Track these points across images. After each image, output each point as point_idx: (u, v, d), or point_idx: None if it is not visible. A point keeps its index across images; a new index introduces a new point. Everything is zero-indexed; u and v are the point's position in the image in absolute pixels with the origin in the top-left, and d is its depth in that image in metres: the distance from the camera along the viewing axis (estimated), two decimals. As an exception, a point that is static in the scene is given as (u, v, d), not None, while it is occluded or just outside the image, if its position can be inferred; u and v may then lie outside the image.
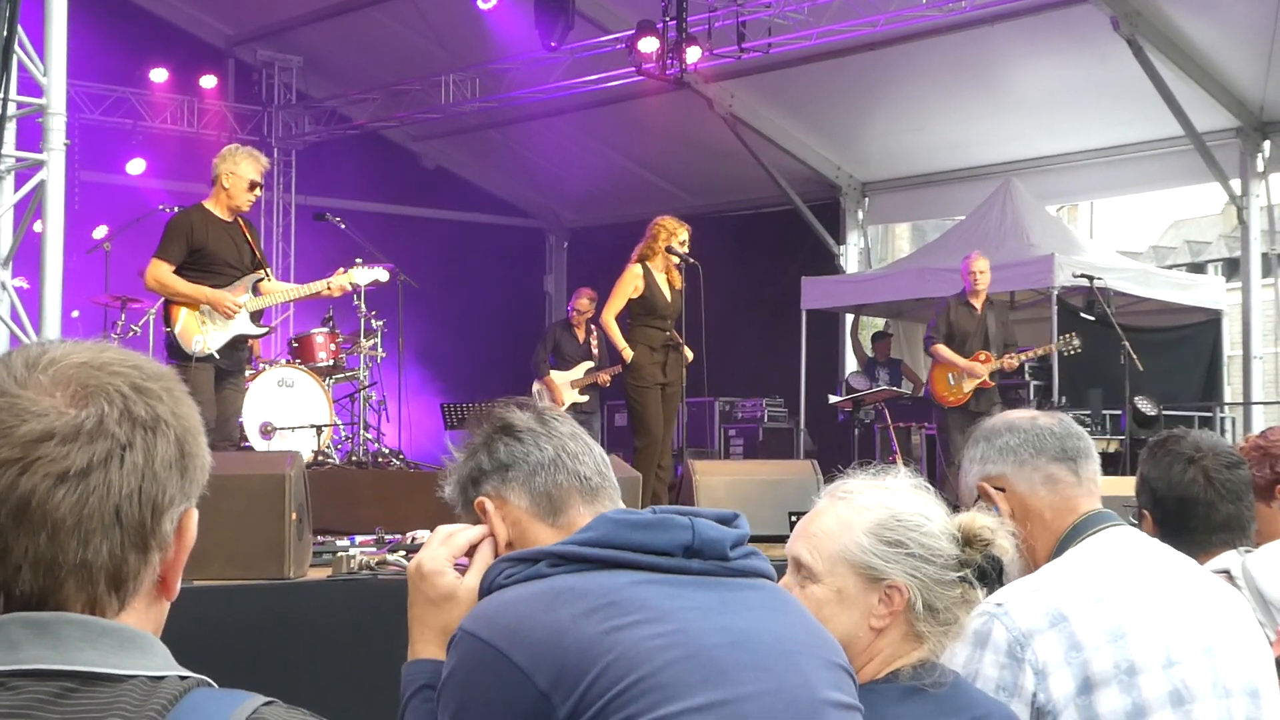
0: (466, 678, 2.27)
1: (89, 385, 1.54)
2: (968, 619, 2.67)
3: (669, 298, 10.41)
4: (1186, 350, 15.78)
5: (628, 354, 10.41)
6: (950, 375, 12.37)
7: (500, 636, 2.24)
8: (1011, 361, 12.16)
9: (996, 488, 3.12)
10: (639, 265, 10.41)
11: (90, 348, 1.61)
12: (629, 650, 2.20)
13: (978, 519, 2.66)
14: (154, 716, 1.48)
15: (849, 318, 18.58)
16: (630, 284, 10.38)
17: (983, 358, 12.21)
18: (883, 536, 2.62)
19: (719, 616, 2.32)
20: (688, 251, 10.48)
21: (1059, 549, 3.03)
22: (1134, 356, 11.98)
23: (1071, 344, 12.36)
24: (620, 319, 10.56)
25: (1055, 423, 3.17)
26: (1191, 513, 3.58)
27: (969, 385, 12.26)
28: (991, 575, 2.65)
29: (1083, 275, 13.06)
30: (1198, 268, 36.17)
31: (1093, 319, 12.81)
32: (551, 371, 14.32)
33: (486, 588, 2.44)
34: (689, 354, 10.74)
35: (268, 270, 9.25)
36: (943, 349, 12.45)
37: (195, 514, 1.64)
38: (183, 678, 1.55)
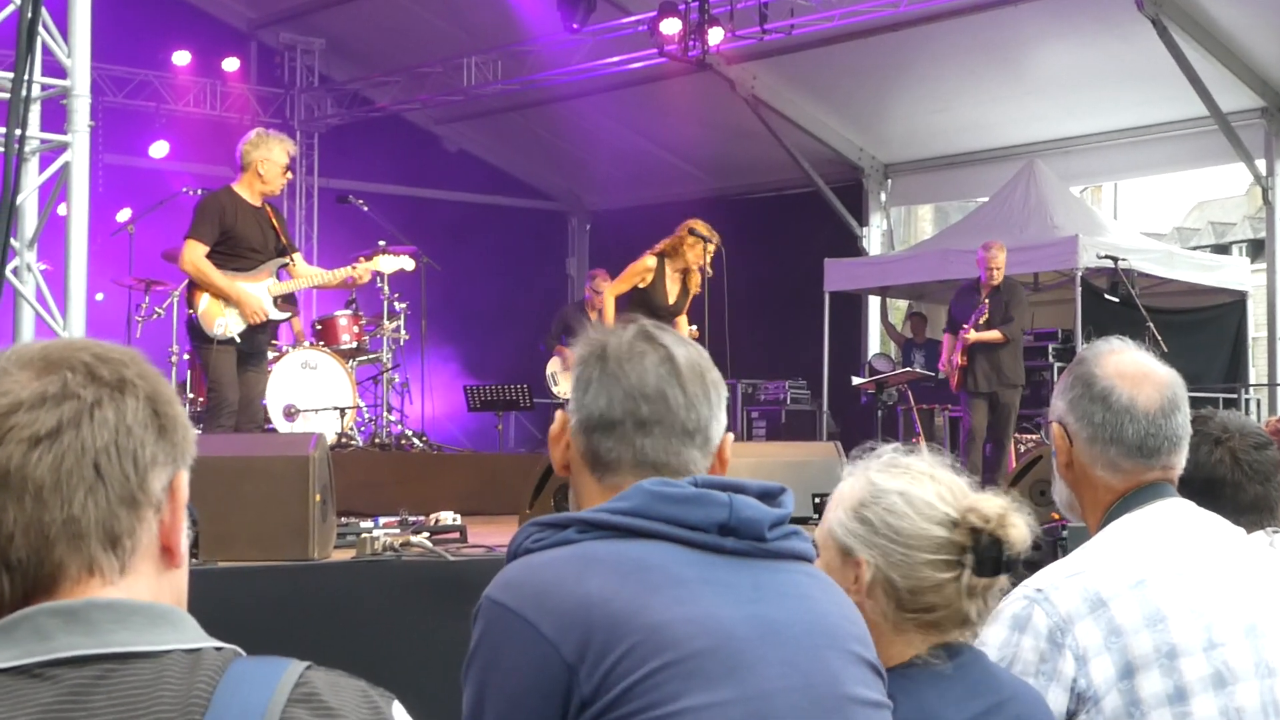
0: (493, 647, 2.20)
1: (50, 359, 1.59)
2: (971, 606, 2.62)
3: (672, 300, 10.34)
4: (1211, 332, 15.72)
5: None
6: (949, 358, 12.56)
7: (528, 605, 2.17)
8: (965, 335, 12.21)
9: (1068, 433, 3.02)
10: (655, 259, 10.37)
11: (54, 340, 1.65)
12: (656, 632, 2.15)
13: (980, 503, 2.59)
14: (204, 688, 1.50)
15: (875, 302, 18.56)
16: (639, 273, 10.36)
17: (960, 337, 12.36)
18: (857, 513, 2.63)
19: (751, 604, 2.26)
20: (704, 264, 10.40)
21: (1108, 518, 2.97)
22: (1158, 338, 11.91)
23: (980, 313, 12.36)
24: (621, 301, 10.58)
25: (1156, 406, 2.94)
26: (1219, 493, 3.55)
27: (956, 362, 12.44)
28: (999, 562, 2.58)
29: (1107, 257, 13.01)
30: (1222, 249, 36.02)
31: (1117, 300, 12.77)
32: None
33: (514, 551, 2.36)
34: (693, 331, 10.75)
35: (294, 255, 9.27)
36: (945, 340, 12.78)
37: (185, 476, 1.65)
38: (218, 649, 1.57)
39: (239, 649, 1.59)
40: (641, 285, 10.30)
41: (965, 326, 12.24)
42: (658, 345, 2.46)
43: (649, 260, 10.34)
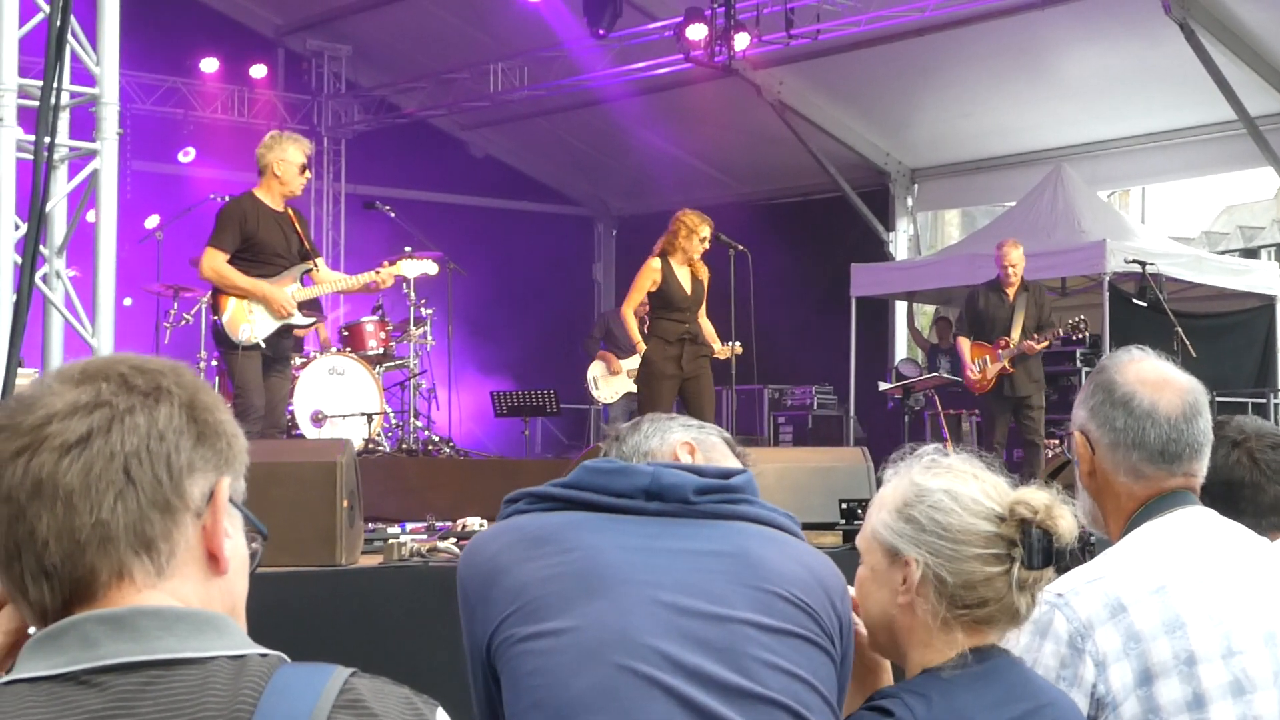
0: (459, 604, 2.62)
1: (88, 372, 1.62)
2: (1021, 599, 2.61)
3: (688, 290, 10.38)
4: (1240, 336, 15.65)
5: (641, 346, 10.50)
6: (975, 361, 12.24)
7: (463, 565, 2.64)
8: (1032, 345, 12.02)
9: (1089, 441, 3.02)
10: (657, 259, 10.41)
11: (98, 356, 1.72)
12: (521, 579, 2.49)
13: (1024, 495, 2.60)
14: (249, 694, 1.52)
15: (902, 307, 18.53)
16: (648, 278, 10.40)
17: (1003, 343, 12.08)
18: (903, 513, 2.64)
19: (648, 541, 2.53)
20: (708, 248, 10.45)
21: (1130, 525, 2.96)
22: (1186, 343, 11.86)
23: (1080, 329, 12.20)
24: (641, 311, 10.63)
25: (1178, 412, 2.93)
26: (1239, 495, 3.54)
27: (992, 371, 12.11)
28: (1049, 553, 2.58)
29: (1135, 261, 12.96)
30: (1250, 253, 35.76)
31: (1145, 305, 12.72)
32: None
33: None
34: (736, 348, 10.81)
35: (317, 260, 9.29)
36: (962, 344, 12.43)
37: (228, 482, 1.68)
38: (263, 655, 1.59)
39: (284, 655, 1.60)
40: (654, 288, 10.34)
41: (1035, 337, 12.04)
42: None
43: (653, 263, 10.41)
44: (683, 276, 10.37)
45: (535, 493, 2.68)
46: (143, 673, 1.51)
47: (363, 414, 11.15)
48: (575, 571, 2.47)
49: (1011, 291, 12.26)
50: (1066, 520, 2.59)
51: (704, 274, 10.49)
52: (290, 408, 10.43)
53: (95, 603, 1.56)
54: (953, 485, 2.64)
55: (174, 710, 1.49)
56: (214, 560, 1.65)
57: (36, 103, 5.85)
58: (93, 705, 1.48)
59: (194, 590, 1.62)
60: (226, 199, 9.46)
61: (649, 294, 10.42)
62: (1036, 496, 2.60)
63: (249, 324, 8.84)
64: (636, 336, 10.60)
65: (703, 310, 10.57)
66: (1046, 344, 12.04)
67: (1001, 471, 2.72)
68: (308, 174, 9.21)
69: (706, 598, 2.45)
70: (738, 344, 11.05)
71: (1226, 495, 3.47)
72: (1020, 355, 11.98)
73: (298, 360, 10.90)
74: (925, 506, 2.62)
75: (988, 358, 12.18)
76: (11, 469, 1.55)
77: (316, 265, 9.25)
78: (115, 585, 1.57)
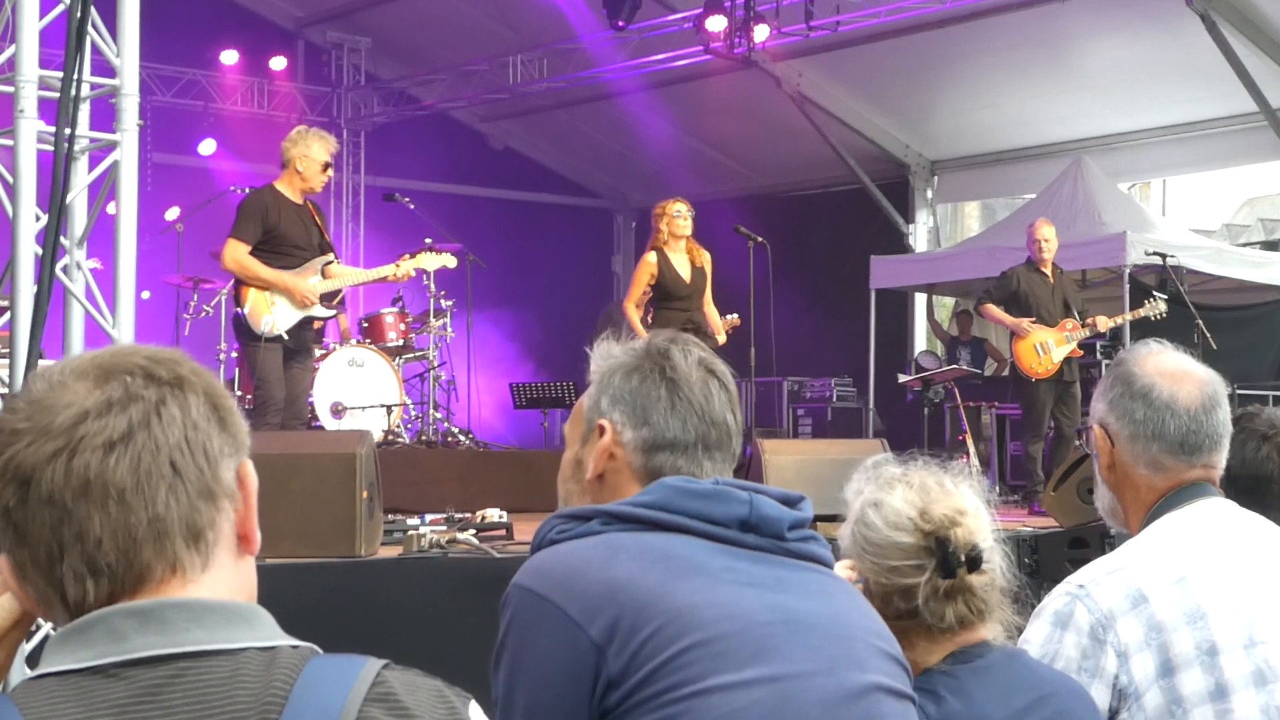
0: (522, 632, 2.24)
1: (106, 367, 1.60)
2: (942, 608, 2.61)
3: (687, 279, 10.43)
4: (1261, 328, 15.60)
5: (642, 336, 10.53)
6: (1037, 346, 11.59)
7: (555, 590, 2.22)
8: (1107, 322, 11.90)
9: (1109, 433, 3.03)
10: (652, 253, 10.49)
11: (101, 349, 1.68)
12: (683, 614, 2.18)
13: (932, 506, 2.61)
14: (280, 686, 1.52)
15: (922, 299, 18.49)
16: (645, 271, 10.49)
17: (1069, 325, 11.74)
18: (851, 526, 2.71)
19: (773, 594, 2.30)
20: (689, 221, 10.51)
21: (1150, 517, 2.96)
22: (1207, 335, 11.81)
23: (1157, 308, 12.13)
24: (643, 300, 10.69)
25: (1197, 403, 2.94)
26: (1266, 490, 3.54)
27: (1059, 355, 11.58)
28: (950, 563, 2.59)
29: (1155, 253, 12.92)
30: (1271, 245, 35.63)
31: (1165, 298, 12.67)
32: None
33: (539, 543, 2.43)
34: (734, 320, 10.85)
35: (330, 255, 9.32)
36: (992, 308, 11.89)
37: (250, 463, 1.68)
38: (294, 646, 1.58)
39: (315, 647, 1.60)
40: (653, 282, 10.39)
41: (1116, 318, 12.00)
42: (714, 373, 2.56)
43: (649, 257, 10.50)
44: (680, 265, 10.43)
45: (612, 512, 2.36)
46: (171, 665, 1.51)
47: (382, 406, 11.15)
48: (737, 625, 2.21)
49: (1050, 271, 11.96)
50: (963, 529, 2.60)
51: (703, 259, 10.52)
52: (310, 399, 10.45)
53: (138, 597, 1.56)
54: (880, 497, 2.68)
55: (203, 702, 1.49)
56: (246, 541, 1.66)
57: (57, 94, 5.86)
58: (120, 698, 1.48)
59: (228, 577, 1.62)
60: (247, 191, 9.49)
61: (652, 288, 10.46)
62: (940, 505, 2.62)
63: (271, 315, 8.86)
64: (640, 329, 10.63)
65: (708, 299, 10.58)
66: (1111, 324, 12.01)
67: (972, 473, 2.74)
68: (329, 172, 9.24)
69: (851, 664, 2.29)
70: (735, 316, 11.03)
71: (1254, 489, 3.47)
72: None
73: (317, 352, 10.92)
74: (859, 520, 2.68)
75: (1051, 341, 11.66)
76: (50, 471, 1.53)
77: (334, 259, 9.29)
78: (166, 579, 1.57)
